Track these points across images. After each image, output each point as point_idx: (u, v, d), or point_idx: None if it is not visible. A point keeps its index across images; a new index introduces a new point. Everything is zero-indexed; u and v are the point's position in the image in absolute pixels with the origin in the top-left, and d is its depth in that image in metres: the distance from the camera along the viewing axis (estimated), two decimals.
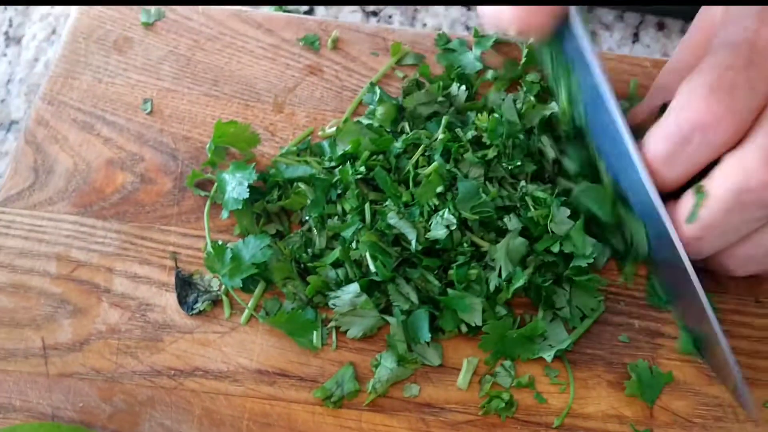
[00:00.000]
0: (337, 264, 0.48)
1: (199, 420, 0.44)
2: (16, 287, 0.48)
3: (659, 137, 0.44)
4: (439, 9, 0.66)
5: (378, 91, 0.54)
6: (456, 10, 0.66)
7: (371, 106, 0.54)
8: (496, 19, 0.43)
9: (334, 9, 0.65)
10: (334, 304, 0.47)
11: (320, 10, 0.65)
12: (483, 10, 0.44)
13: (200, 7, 0.58)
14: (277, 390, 0.45)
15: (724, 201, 0.43)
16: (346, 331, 0.47)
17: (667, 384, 0.46)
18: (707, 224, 0.44)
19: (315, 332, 0.47)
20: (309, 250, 0.49)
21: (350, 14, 0.65)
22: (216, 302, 0.48)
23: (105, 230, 0.50)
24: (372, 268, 0.47)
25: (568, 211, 0.47)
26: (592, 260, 0.47)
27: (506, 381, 0.46)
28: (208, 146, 0.51)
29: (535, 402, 0.46)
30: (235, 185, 0.49)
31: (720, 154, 0.44)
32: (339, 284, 0.47)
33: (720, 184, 0.43)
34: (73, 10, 0.57)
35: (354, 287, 0.47)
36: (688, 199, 0.44)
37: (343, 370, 0.46)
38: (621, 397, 0.46)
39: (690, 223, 0.44)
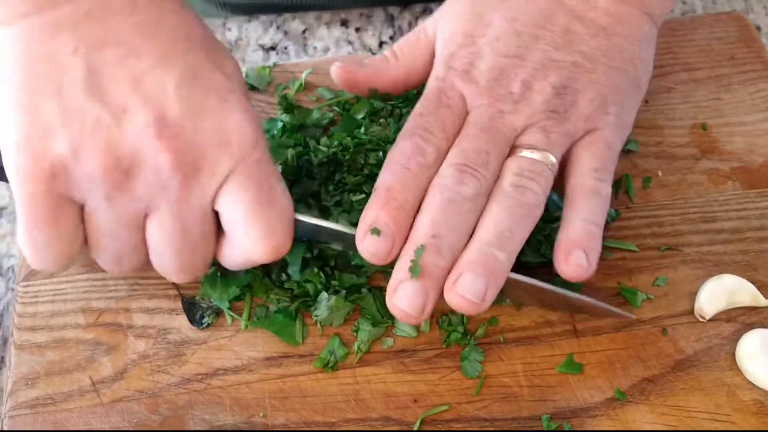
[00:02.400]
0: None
1: (231, 408, 0.56)
2: (56, 342, 0.58)
3: (387, 166, 0.54)
4: (324, 31, 0.78)
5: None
6: (338, 31, 0.78)
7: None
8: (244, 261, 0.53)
9: (239, 53, 0.77)
10: (316, 315, 0.59)
11: None
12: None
13: None
14: (285, 369, 0.57)
15: (437, 205, 0.52)
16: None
17: (578, 290, 0.60)
18: (434, 227, 0.52)
19: (295, 330, 0.59)
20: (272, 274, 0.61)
21: (253, 53, 0.77)
22: (219, 313, 0.59)
23: (114, 279, 0.61)
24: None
25: None
26: None
27: (458, 317, 0.59)
28: None
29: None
30: None
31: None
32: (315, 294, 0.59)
33: (429, 197, 0.53)
34: None
35: (324, 296, 0.59)
36: None
37: (331, 341, 0.58)
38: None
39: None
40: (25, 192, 0.46)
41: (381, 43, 0.77)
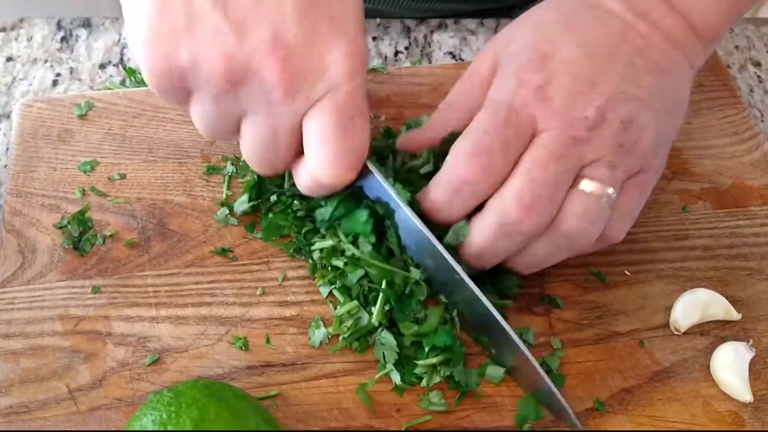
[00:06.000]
0: None
1: None
2: (32, 349, 0.57)
3: (439, 188, 0.56)
4: None
5: None
6: None
7: None
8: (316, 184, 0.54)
9: None
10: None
11: None
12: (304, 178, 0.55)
13: (121, 92, 0.69)
14: (267, 378, 0.57)
15: (491, 231, 0.55)
16: None
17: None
18: (480, 248, 0.56)
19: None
20: None
21: None
22: None
23: (93, 288, 0.60)
24: None
25: None
26: None
27: None
28: None
29: None
30: None
31: (486, 198, 0.55)
32: None
33: (486, 218, 0.55)
34: (14, 115, 0.67)
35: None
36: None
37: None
38: (527, 319, 0.60)
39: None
40: (150, 83, 0.51)
41: (396, 53, 0.80)
